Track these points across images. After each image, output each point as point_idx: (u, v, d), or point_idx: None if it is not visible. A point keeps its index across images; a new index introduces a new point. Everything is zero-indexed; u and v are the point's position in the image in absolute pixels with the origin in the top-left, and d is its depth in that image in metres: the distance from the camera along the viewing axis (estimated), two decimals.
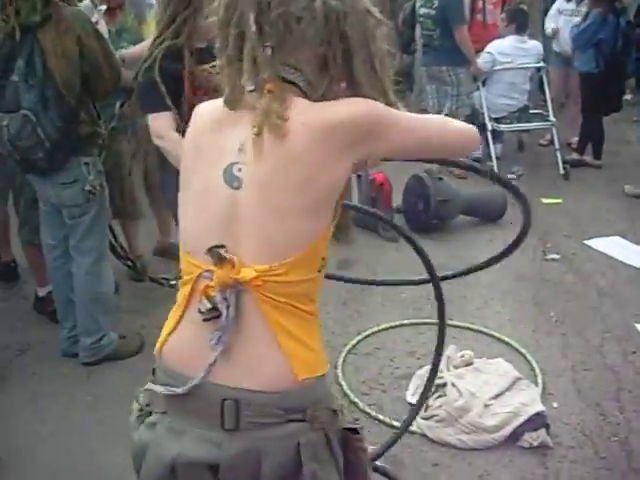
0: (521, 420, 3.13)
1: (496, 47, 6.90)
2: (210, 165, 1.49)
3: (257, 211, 1.44)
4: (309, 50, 1.47)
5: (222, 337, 1.43)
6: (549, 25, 7.70)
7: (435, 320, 4.09)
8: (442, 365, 3.54)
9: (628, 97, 8.87)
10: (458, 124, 1.64)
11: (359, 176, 5.42)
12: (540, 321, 4.17)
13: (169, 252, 4.78)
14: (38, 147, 3.23)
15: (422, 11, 6.72)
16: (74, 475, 2.96)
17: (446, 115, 6.80)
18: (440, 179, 5.47)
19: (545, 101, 7.19)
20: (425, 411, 3.26)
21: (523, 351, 3.81)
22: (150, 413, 1.57)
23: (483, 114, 6.89)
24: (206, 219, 1.49)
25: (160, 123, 3.06)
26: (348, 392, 3.47)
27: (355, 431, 1.61)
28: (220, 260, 1.42)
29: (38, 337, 4.01)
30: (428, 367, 3.57)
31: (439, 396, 3.32)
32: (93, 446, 3.13)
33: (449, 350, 3.65)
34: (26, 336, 4.02)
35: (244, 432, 1.45)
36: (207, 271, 1.45)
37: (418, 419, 3.23)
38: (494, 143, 6.95)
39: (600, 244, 5.26)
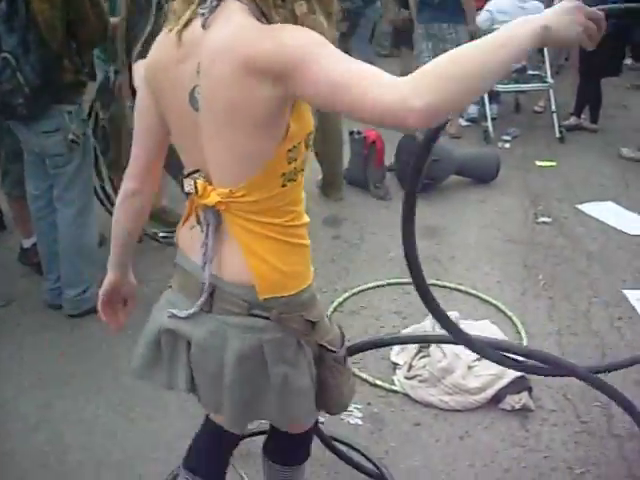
0: (504, 383, 3.12)
1: (495, 5, 6.79)
2: (180, 93, 1.51)
3: (211, 134, 1.50)
4: None
5: (207, 254, 1.60)
6: None
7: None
8: (427, 326, 3.54)
9: (628, 62, 8.77)
10: (385, 91, 1.30)
11: (351, 133, 5.37)
12: (528, 284, 4.15)
13: (160, 216, 4.72)
14: (18, 92, 3.15)
15: None
16: (54, 427, 2.95)
17: None
18: None
19: (543, 62, 7.10)
20: (408, 371, 3.26)
21: (510, 313, 3.79)
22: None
23: None
24: (184, 145, 1.62)
25: None
26: None
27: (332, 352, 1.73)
28: (188, 193, 1.58)
29: (23, 288, 4.00)
30: (414, 326, 3.59)
31: (423, 356, 3.31)
32: (75, 398, 3.12)
33: None
34: (11, 287, 4.00)
35: (215, 315, 1.63)
36: None
37: (401, 378, 3.24)
38: (490, 103, 6.88)
39: (592, 209, 5.23)
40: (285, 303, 1.61)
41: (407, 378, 3.23)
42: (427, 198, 5.19)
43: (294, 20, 1.41)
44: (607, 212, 5.19)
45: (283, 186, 1.52)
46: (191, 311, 1.62)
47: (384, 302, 3.91)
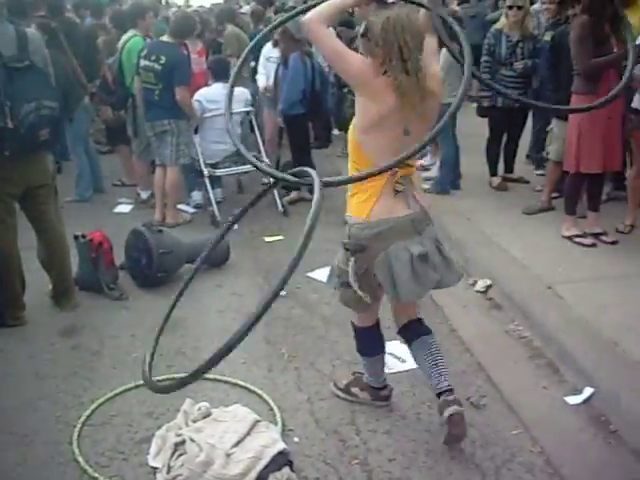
0: (264, 463, 3.14)
1: (204, 95, 7.02)
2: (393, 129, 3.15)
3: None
4: None
5: (415, 201, 3.32)
6: (261, 72, 8.10)
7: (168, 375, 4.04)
8: (180, 422, 3.49)
9: (336, 132, 9.42)
10: None
11: (76, 238, 5.24)
12: (273, 359, 4.24)
13: None
14: None
15: (144, 63, 6.66)
16: None
17: (165, 164, 6.76)
18: (160, 231, 5.41)
19: (257, 143, 7.44)
20: (168, 473, 3.17)
21: (259, 392, 3.85)
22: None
23: (199, 161, 6.96)
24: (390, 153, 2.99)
25: None
26: (86, 467, 3.28)
27: None
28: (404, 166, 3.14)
29: None
30: (168, 425, 3.52)
31: (180, 454, 3.24)
32: None
33: (186, 404, 3.61)
34: None
35: (424, 234, 3.36)
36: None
37: None
38: (213, 188, 7.05)
39: (322, 274, 5.46)
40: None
41: None
42: (164, 293, 5.15)
43: None
44: None
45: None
46: (420, 239, 3.32)
47: (134, 405, 3.80)
